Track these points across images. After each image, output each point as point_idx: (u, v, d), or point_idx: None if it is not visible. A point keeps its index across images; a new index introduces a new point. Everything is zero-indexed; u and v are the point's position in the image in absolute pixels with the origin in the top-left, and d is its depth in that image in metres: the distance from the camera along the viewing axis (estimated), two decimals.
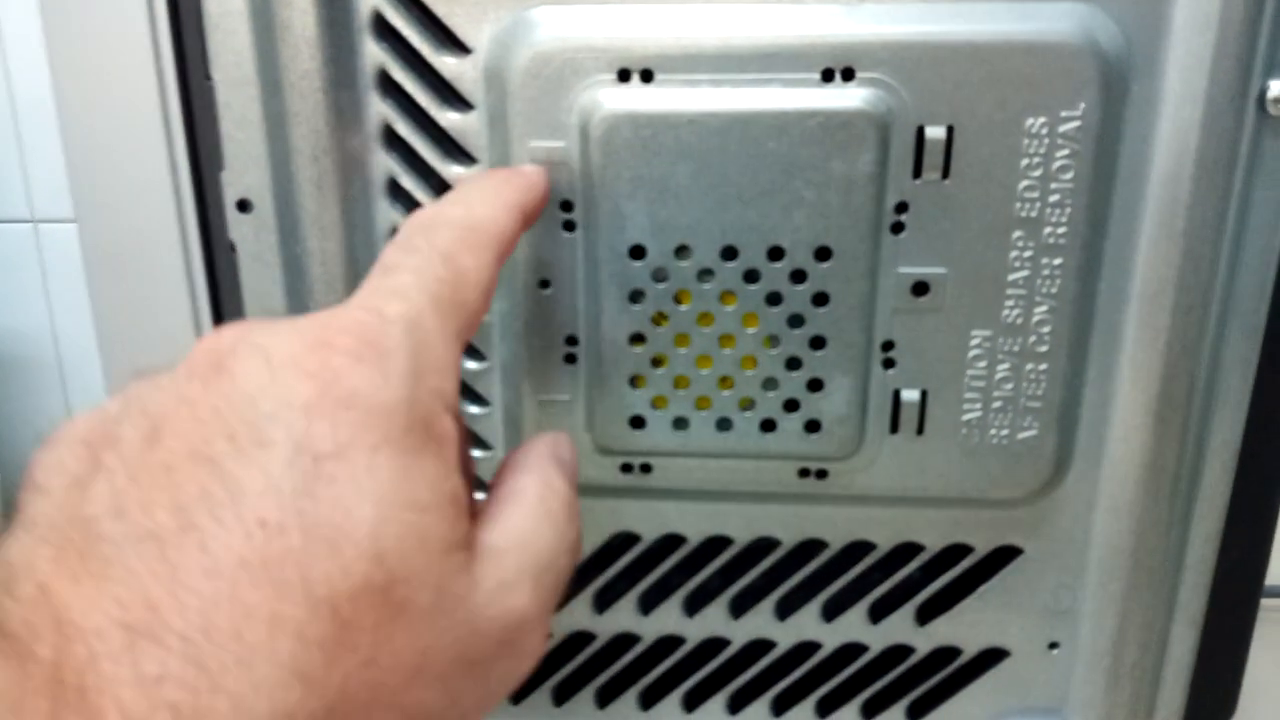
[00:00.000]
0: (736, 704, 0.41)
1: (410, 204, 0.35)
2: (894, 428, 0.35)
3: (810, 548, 0.38)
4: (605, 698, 0.41)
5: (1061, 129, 0.31)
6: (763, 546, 0.38)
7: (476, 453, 0.38)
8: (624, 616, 0.39)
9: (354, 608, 0.21)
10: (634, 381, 0.35)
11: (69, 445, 0.24)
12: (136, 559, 0.21)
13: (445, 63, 0.33)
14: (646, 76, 0.32)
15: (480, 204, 0.28)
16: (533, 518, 0.26)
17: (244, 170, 0.34)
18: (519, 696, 0.41)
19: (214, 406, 0.22)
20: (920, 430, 0.35)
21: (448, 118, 0.33)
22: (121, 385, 0.38)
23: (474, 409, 0.37)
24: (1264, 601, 0.38)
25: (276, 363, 0.23)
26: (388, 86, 0.34)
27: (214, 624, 0.20)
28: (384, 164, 0.34)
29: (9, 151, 0.85)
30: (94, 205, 0.36)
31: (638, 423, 0.35)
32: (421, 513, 0.23)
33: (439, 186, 0.34)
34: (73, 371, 0.90)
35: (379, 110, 0.34)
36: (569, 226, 0.33)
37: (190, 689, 0.20)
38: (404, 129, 0.34)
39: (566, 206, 0.33)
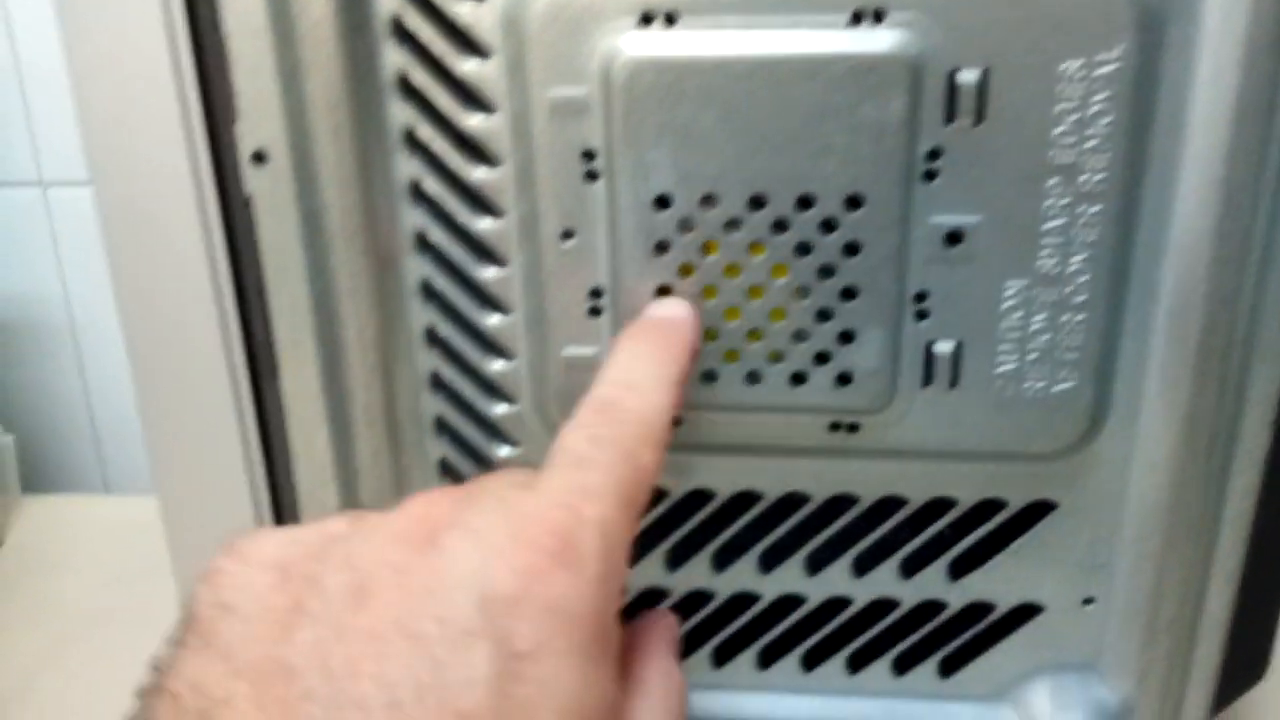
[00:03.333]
0: (765, 659, 0.40)
1: (427, 155, 0.34)
2: (927, 380, 0.34)
3: (841, 503, 0.37)
4: None
5: (1098, 72, 0.30)
6: (792, 501, 0.37)
7: (500, 407, 0.37)
8: (650, 572, 0.39)
9: None
10: None
11: (261, 568, 0.25)
12: None
13: (461, 8, 0.32)
14: (670, 20, 0.31)
15: (654, 390, 0.29)
16: (658, 715, 0.27)
17: (259, 122, 0.33)
18: None
19: (425, 583, 0.23)
20: (954, 383, 0.34)
21: (465, 66, 0.32)
22: (144, 354, 0.37)
23: (498, 364, 0.36)
24: None
25: (487, 551, 0.24)
26: (403, 34, 0.33)
27: None
28: (401, 114, 0.33)
29: (16, 115, 0.84)
30: (108, 162, 0.36)
31: None
32: None
33: (456, 137, 0.33)
34: (86, 336, 0.90)
35: (394, 59, 0.33)
36: (592, 176, 0.33)
37: None
38: (420, 78, 0.33)
39: (589, 156, 0.32)
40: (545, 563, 0.23)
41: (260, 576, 0.24)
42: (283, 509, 0.40)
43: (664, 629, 0.30)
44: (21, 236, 0.87)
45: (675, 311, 0.33)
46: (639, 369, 0.30)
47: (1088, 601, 0.38)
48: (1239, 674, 0.40)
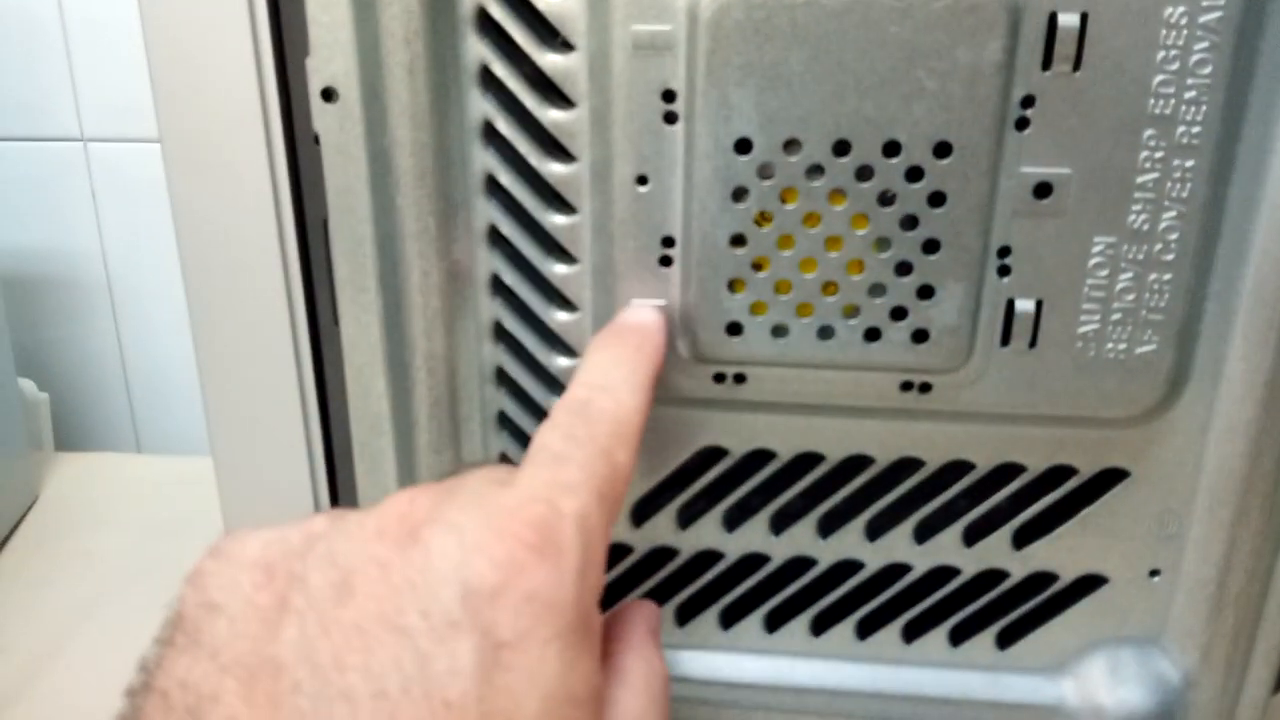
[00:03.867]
0: (819, 626, 0.40)
1: (502, 95, 0.33)
2: (1005, 339, 0.33)
3: (905, 467, 0.37)
4: (685, 615, 0.40)
5: (1202, 19, 0.29)
6: (856, 464, 0.37)
7: (562, 360, 0.36)
8: (708, 533, 0.38)
9: None
10: (733, 286, 0.33)
11: (245, 568, 0.25)
12: (329, 717, 0.22)
13: None
14: None
15: (626, 392, 0.30)
16: (641, 703, 0.28)
17: (330, 56, 0.32)
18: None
19: (408, 577, 0.24)
20: (1033, 343, 0.33)
21: (546, 0, 0.32)
22: (203, 295, 0.37)
23: (562, 315, 0.35)
24: None
25: (468, 545, 0.24)
26: None
27: None
28: (476, 50, 0.33)
29: (60, 70, 0.84)
30: (175, 97, 0.35)
31: (734, 329, 0.34)
32: (577, 707, 0.24)
33: (533, 76, 0.33)
34: (122, 294, 0.90)
35: None
36: (670, 118, 0.32)
37: None
38: (498, 11, 0.32)
39: (669, 96, 0.32)
40: (525, 555, 0.24)
41: (245, 575, 0.25)
42: (335, 459, 0.40)
43: (645, 618, 0.31)
44: (60, 192, 0.87)
45: (646, 317, 0.34)
46: (612, 372, 0.31)
47: (1154, 574, 0.37)
48: None
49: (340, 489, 0.40)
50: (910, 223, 0.32)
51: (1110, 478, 0.36)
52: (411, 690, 0.22)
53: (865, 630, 0.40)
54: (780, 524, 0.38)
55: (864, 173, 0.31)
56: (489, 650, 0.23)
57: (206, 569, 0.26)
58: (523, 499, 0.25)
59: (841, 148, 0.31)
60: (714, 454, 0.37)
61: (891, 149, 0.31)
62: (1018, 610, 0.39)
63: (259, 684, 0.23)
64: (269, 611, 0.24)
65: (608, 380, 0.30)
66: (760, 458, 0.37)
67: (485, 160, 0.34)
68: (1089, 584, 0.38)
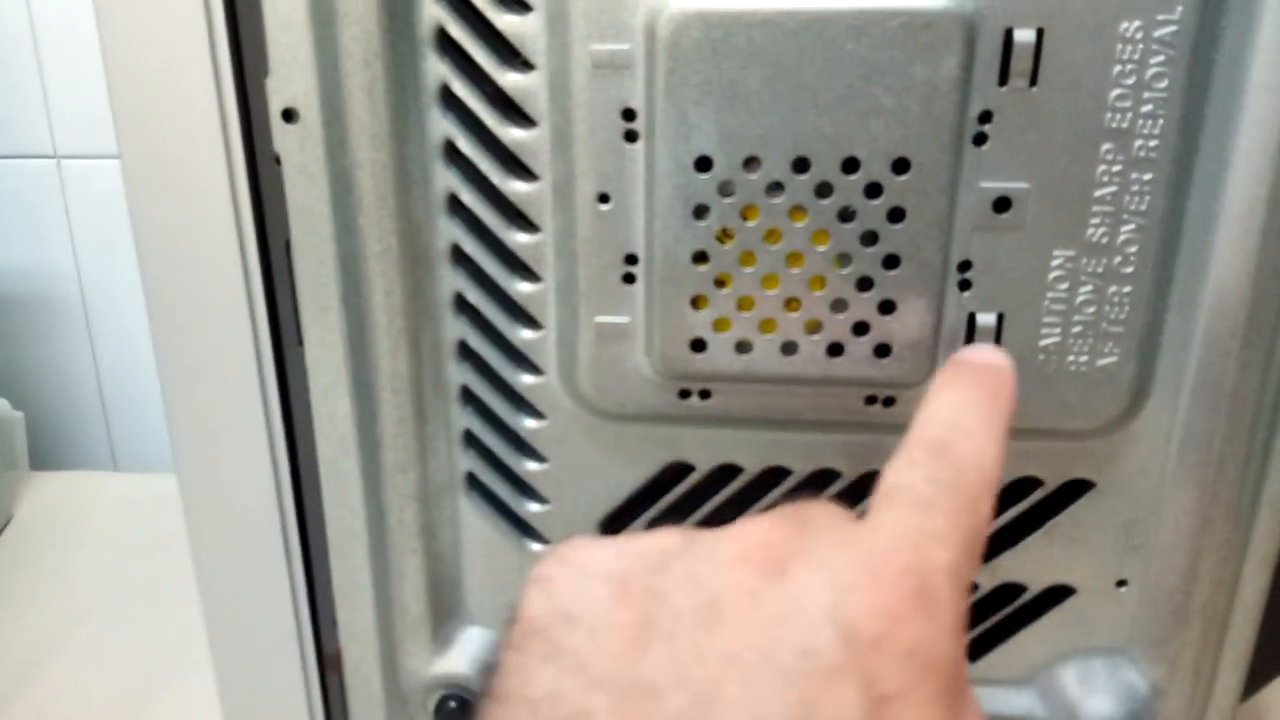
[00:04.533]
0: None
1: (462, 114, 0.33)
2: None
3: (872, 479, 0.36)
4: None
5: (1157, 33, 0.29)
6: (823, 478, 0.37)
7: (527, 378, 0.36)
8: None
9: None
10: (696, 302, 0.33)
11: (598, 579, 0.24)
12: None
13: None
14: None
15: (988, 439, 0.28)
16: None
17: (290, 77, 0.32)
18: None
19: (780, 611, 0.23)
20: None
21: (504, 19, 0.32)
22: (166, 316, 0.36)
23: (527, 333, 0.35)
24: None
25: (841, 586, 0.23)
26: None
27: None
28: (436, 70, 0.33)
29: (32, 87, 0.83)
30: (135, 118, 0.35)
31: (698, 346, 0.34)
32: None
33: (493, 95, 0.33)
34: (97, 311, 0.89)
35: (432, 12, 0.32)
36: (631, 136, 0.32)
37: None
38: (458, 31, 0.32)
39: (629, 115, 0.32)
40: (904, 605, 0.23)
41: (598, 588, 0.24)
42: (302, 478, 0.39)
43: None
44: (34, 209, 0.86)
45: (997, 360, 0.31)
46: (969, 415, 0.28)
47: (1121, 584, 0.37)
48: (1270, 659, 0.39)
49: (307, 508, 0.40)
50: (870, 238, 0.32)
51: (1075, 489, 0.36)
52: None
53: None
54: None
55: (823, 189, 0.31)
56: (873, 703, 0.21)
57: (554, 575, 0.25)
58: (892, 545, 0.24)
59: (801, 165, 0.31)
60: (681, 469, 0.37)
61: (850, 165, 0.31)
62: (987, 622, 0.39)
63: (634, 705, 0.22)
64: (632, 629, 0.23)
65: (965, 423, 0.28)
66: (727, 472, 0.37)
67: (447, 179, 0.34)
68: (1057, 595, 0.38)
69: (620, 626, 0.23)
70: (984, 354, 0.31)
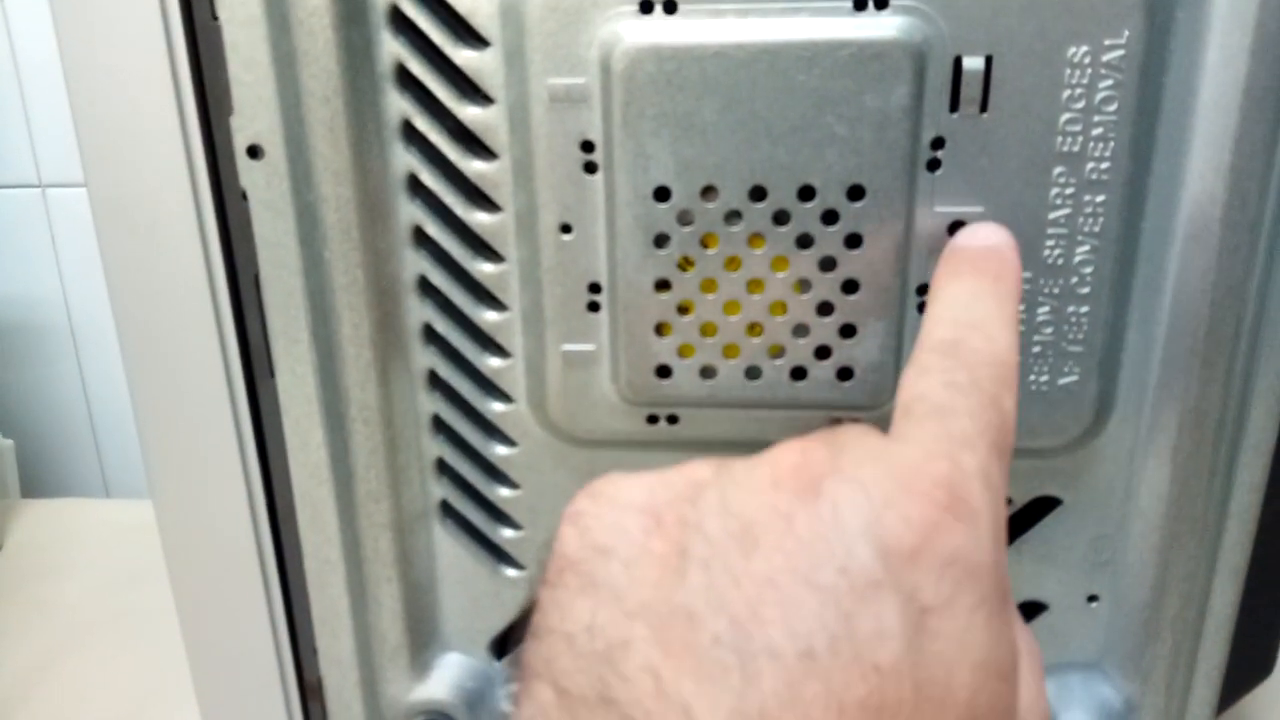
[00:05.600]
0: None
1: (424, 148, 0.34)
2: None
3: None
4: None
5: (1105, 58, 0.30)
6: None
7: (497, 405, 0.36)
8: None
9: None
10: (660, 329, 0.34)
11: (630, 511, 0.24)
12: (754, 676, 0.21)
13: None
14: (670, 7, 0.30)
15: (1000, 331, 0.27)
16: (1036, 677, 0.26)
17: (254, 114, 0.33)
18: (504, 652, 0.41)
19: (816, 531, 0.22)
20: None
21: (462, 55, 0.32)
22: (139, 351, 0.37)
23: (495, 361, 0.36)
24: None
25: (876, 501, 0.22)
26: (400, 23, 0.32)
27: None
28: (397, 105, 0.33)
29: (15, 117, 0.84)
30: (102, 156, 0.35)
31: (664, 372, 0.34)
32: (1003, 681, 0.22)
33: (454, 129, 0.33)
34: (85, 338, 0.90)
35: (391, 48, 0.32)
36: (590, 168, 0.32)
37: None
38: (417, 68, 0.32)
39: (587, 147, 0.32)
40: (939, 515, 0.22)
41: (631, 519, 0.24)
42: (277, 508, 0.40)
43: None
44: (20, 238, 0.87)
45: (997, 239, 0.30)
46: (976, 307, 0.28)
47: (1092, 599, 0.38)
48: (1245, 671, 0.39)
49: (284, 539, 0.40)
50: (829, 264, 0.32)
51: (1043, 506, 0.36)
52: (840, 651, 0.21)
53: None
54: None
55: (781, 217, 0.32)
56: (914, 615, 0.21)
57: (585, 509, 0.25)
58: (922, 455, 0.23)
59: (758, 193, 0.31)
60: None
61: (806, 193, 0.31)
62: None
63: (673, 632, 0.22)
64: (668, 558, 0.23)
65: (973, 316, 0.27)
66: None
67: (412, 212, 0.34)
68: (1029, 611, 0.38)
69: (655, 556, 0.23)
70: (980, 236, 0.30)
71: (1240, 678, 0.39)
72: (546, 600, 0.24)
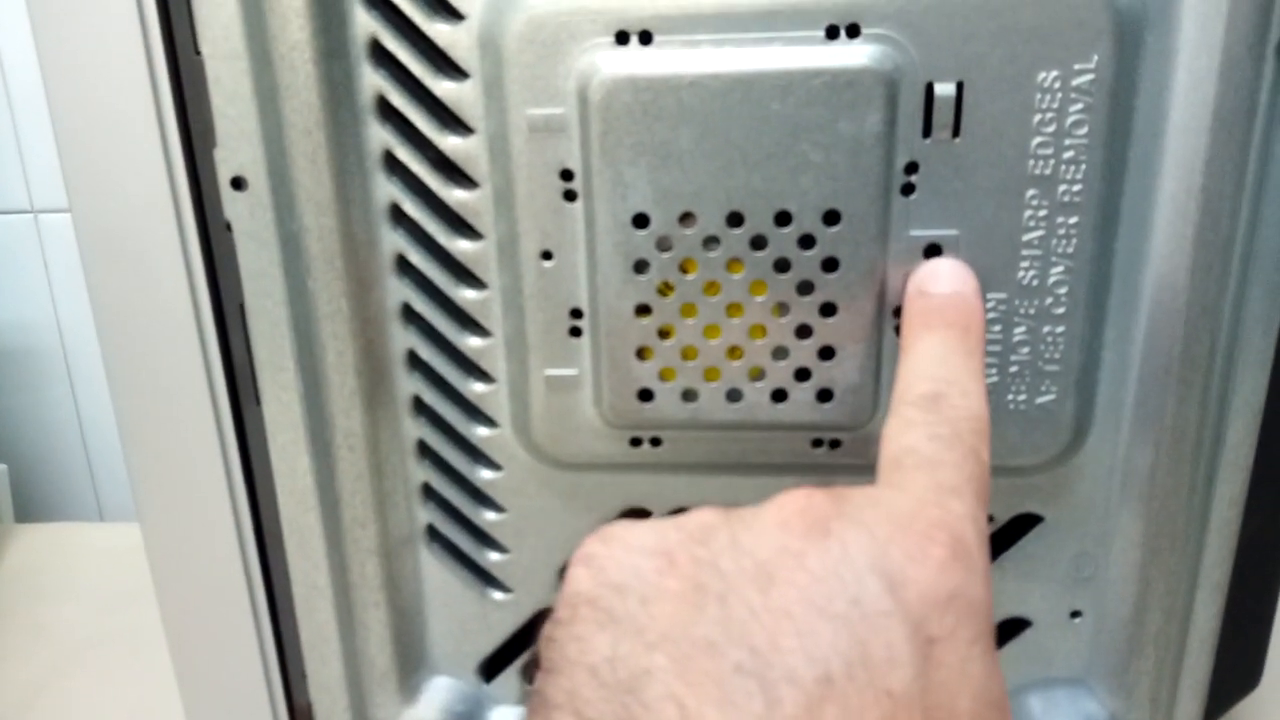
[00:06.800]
0: None
1: (406, 178, 0.34)
2: None
3: None
4: None
5: (1075, 82, 0.30)
6: None
7: (481, 430, 0.37)
8: None
9: None
10: (641, 354, 0.34)
11: (642, 553, 0.25)
12: (775, 702, 0.22)
13: (438, 30, 0.32)
14: (645, 38, 0.31)
15: (972, 385, 0.29)
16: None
17: (237, 147, 0.33)
18: (492, 675, 0.41)
19: (828, 567, 0.23)
20: None
21: (442, 87, 0.32)
22: (126, 381, 0.37)
23: (479, 386, 0.36)
24: None
25: (880, 540, 0.24)
26: (380, 56, 0.33)
27: None
28: (379, 136, 0.33)
29: (7, 143, 0.84)
30: (87, 188, 0.36)
31: (646, 395, 0.34)
32: (999, 711, 0.23)
33: (435, 159, 0.33)
34: (78, 363, 0.90)
35: (372, 81, 0.33)
36: (570, 196, 0.33)
37: None
38: (398, 100, 0.33)
39: (567, 175, 0.32)
40: (942, 554, 0.24)
41: (645, 561, 0.25)
42: (265, 535, 0.40)
43: None
44: (13, 263, 0.87)
45: (958, 285, 0.32)
46: (950, 361, 0.30)
47: (1075, 615, 0.38)
48: (1231, 684, 0.39)
49: (272, 565, 0.40)
50: (806, 288, 0.32)
51: (1025, 523, 0.37)
52: (856, 676, 0.22)
53: None
54: None
55: (758, 242, 0.32)
56: (922, 644, 0.22)
57: (597, 552, 0.25)
58: (917, 502, 0.25)
59: (735, 219, 0.32)
60: (637, 515, 0.38)
61: (783, 219, 0.32)
62: None
63: (694, 662, 0.22)
64: (684, 594, 0.24)
65: (948, 371, 0.29)
66: None
67: (395, 241, 0.35)
68: (1014, 627, 0.38)
69: (671, 593, 0.24)
70: (944, 280, 0.32)
71: (1227, 690, 0.40)
72: (562, 635, 0.25)
